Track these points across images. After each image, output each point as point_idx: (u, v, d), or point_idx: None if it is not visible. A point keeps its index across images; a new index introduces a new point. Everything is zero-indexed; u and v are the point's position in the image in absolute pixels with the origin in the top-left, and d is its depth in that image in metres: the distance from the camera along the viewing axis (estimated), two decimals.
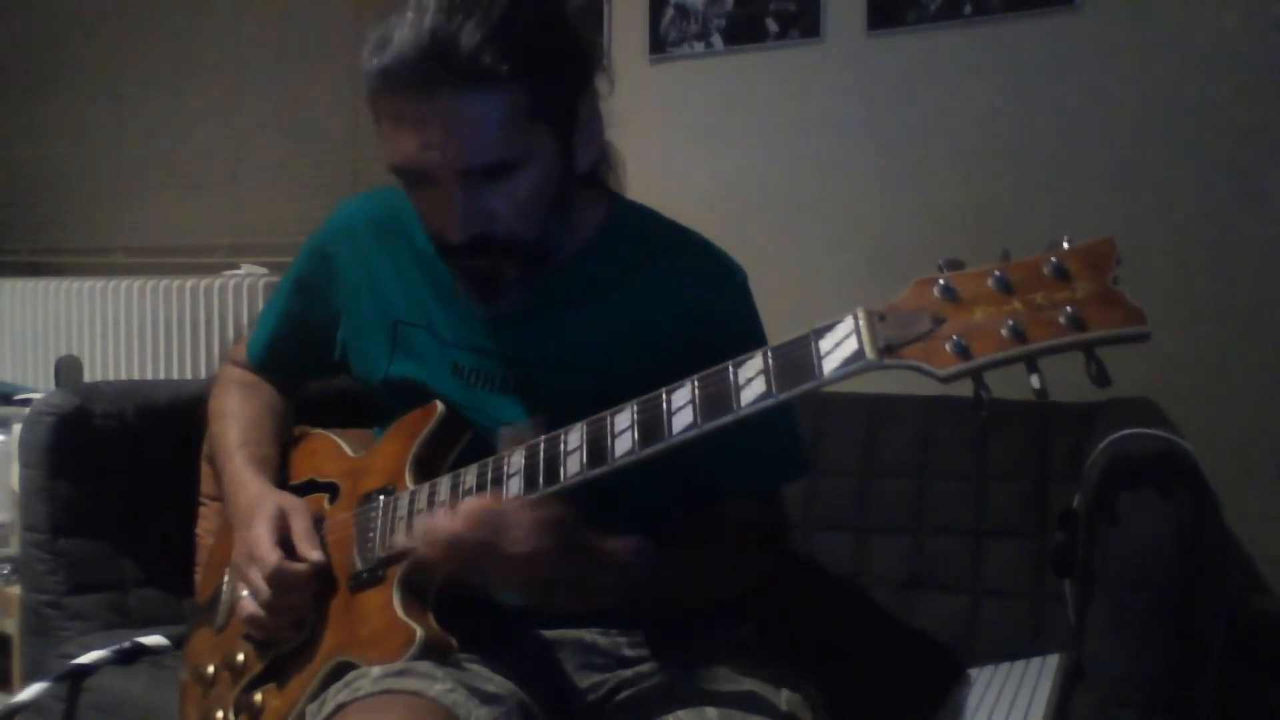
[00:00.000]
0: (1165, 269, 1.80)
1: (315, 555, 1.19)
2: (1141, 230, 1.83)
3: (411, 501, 1.16)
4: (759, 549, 1.25)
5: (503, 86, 1.05)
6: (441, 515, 1.03)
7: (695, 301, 1.21)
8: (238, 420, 1.37)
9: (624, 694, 1.19)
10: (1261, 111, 1.78)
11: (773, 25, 2.20)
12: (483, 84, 1.04)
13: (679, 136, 2.30)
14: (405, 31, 1.04)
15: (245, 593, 1.20)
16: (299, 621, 1.21)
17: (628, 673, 1.20)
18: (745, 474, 1.23)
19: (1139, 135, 1.86)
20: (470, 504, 1.03)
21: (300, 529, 1.21)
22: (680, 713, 1.11)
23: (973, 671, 1.43)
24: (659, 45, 2.34)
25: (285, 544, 1.20)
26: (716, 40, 2.27)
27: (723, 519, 1.23)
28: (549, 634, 1.22)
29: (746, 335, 1.22)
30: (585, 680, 1.21)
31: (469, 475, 1.12)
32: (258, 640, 1.25)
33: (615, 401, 1.03)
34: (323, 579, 1.20)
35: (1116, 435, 1.21)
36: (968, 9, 1.99)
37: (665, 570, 1.10)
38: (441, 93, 1.04)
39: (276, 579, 1.17)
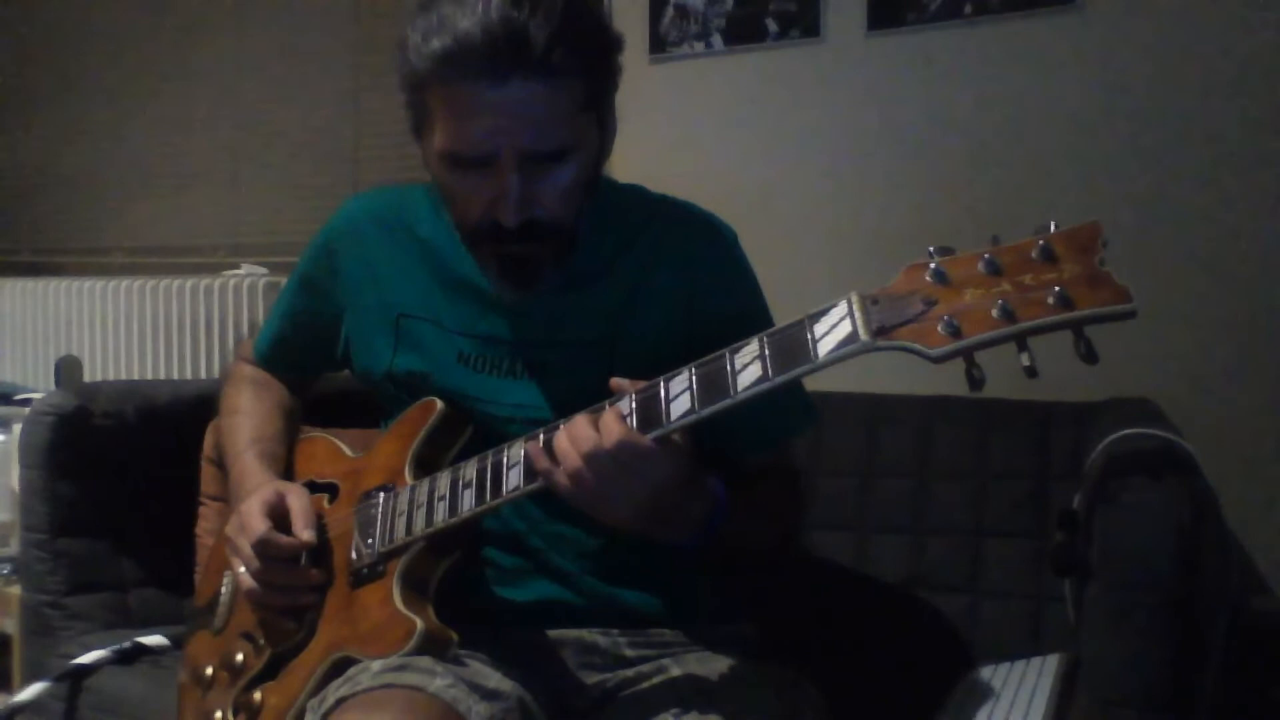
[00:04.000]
0: (1166, 268, 1.80)
1: (306, 534, 1.19)
2: (1142, 229, 1.83)
3: (412, 497, 1.16)
4: (784, 492, 1.28)
5: (569, 79, 1.08)
6: (587, 427, 1.00)
7: (691, 262, 1.24)
8: (249, 418, 1.38)
9: (624, 694, 1.19)
10: (1262, 110, 1.77)
11: (773, 25, 2.20)
12: (553, 76, 1.07)
13: (679, 136, 2.30)
14: (469, 17, 1.05)
15: (241, 569, 1.21)
16: (297, 607, 1.21)
17: (628, 672, 1.20)
18: (757, 434, 1.23)
19: (1139, 134, 1.86)
20: (617, 424, 0.99)
21: (296, 508, 1.21)
22: (680, 712, 1.11)
23: (973, 671, 1.43)
24: (659, 45, 2.34)
25: (281, 524, 1.21)
26: (716, 40, 2.27)
27: (740, 474, 1.23)
28: (550, 633, 1.22)
29: (744, 289, 1.27)
30: (586, 679, 1.21)
31: (468, 469, 1.13)
32: (257, 638, 1.25)
33: (624, 374, 1.05)
34: (319, 563, 1.21)
35: (1116, 435, 1.21)
36: (968, 9, 1.99)
37: (730, 514, 1.12)
38: (514, 81, 1.06)
39: (264, 549, 1.18)
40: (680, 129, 2.30)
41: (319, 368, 1.43)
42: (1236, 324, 1.79)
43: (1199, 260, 1.81)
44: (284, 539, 1.19)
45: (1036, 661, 1.40)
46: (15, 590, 2.05)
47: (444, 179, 1.15)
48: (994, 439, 1.65)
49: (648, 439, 0.99)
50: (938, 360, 0.87)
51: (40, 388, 3.05)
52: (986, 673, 1.41)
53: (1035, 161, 1.95)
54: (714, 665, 1.19)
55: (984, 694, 1.33)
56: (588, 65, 1.10)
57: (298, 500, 1.22)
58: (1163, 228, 1.83)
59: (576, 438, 1.00)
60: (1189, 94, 1.83)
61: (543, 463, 1.02)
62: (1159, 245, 1.82)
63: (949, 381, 0.98)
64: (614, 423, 1.00)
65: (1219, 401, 1.77)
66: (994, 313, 0.85)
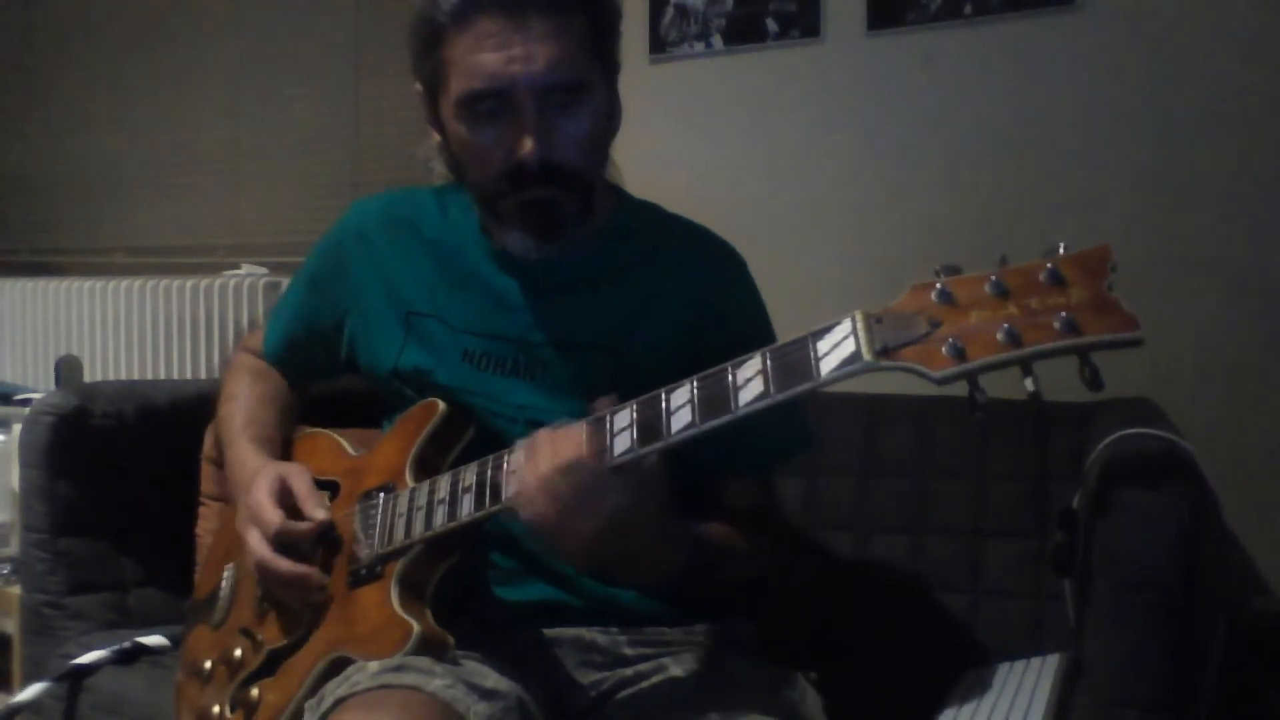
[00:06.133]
0: (1165, 268, 1.80)
1: (320, 514, 1.20)
2: (1141, 229, 1.83)
3: (411, 499, 1.16)
4: (767, 530, 1.27)
5: (577, 15, 1.15)
6: (552, 445, 1.01)
7: (702, 282, 1.25)
8: (245, 404, 1.38)
9: (624, 693, 1.19)
10: (1262, 111, 1.77)
11: (773, 25, 2.20)
12: (563, 10, 1.13)
13: (679, 136, 2.30)
14: None
15: (257, 557, 1.20)
16: (311, 597, 1.21)
17: (628, 672, 1.20)
18: (749, 453, 1.23)
19: (1139, 135, 1.86)
20: (569, 446, 1.00)
21: (303, 490, 1.22)
22: (681, 713, 1.11)
23: (972, 671, 1.43)
24: (659, 45, 2.34)
25: (289, 508, 1.21)
26: (716, 40, 2.27)
27: (723, 501, 1.23)
28: (549, 632, 1.22)
29: (752, 314, 1.29)
30: (584, 678, 1.21)
31: (469, 474, 1.13)
32: (255, 634, 1.25)
33: (625, 383, 1.05)
34: (329, 541, 1.21)
35: (1116, 435, 1.21)
36: (968, 9, 1.99)
37: (703, 547, 1.13)
38: (530, 14, 1.12)
39: (280, 539, 1.18)
40: (680, 129, 2.30)
41: (326, 369, 1.42)
42: (1237, 324, 1.79)
43: (1199, 260, 1.81)
44: (301, 525, 1.19)
45: (1036, 661, 1.40)
46: (15, 590, 2.06)
47: (461, 135, 1.17)
48: (994, 439, 1.65)
49: (602, 463, 1.00)
50: (940, 383, 0.87)
51: (40, 388, 3.05)
52: (986, 673, 1.41)
53: (1035, 162, 1.95)
54: (713, 664, 1.19)
55: (984, 694, 1.33)
56: (593, 4, 1.17)
57: (301, 481, 1.23)
58: (1162, 227, 1.83)
59: (536, 453, 1.02)
60: (1189, 94, 1.82)
61: (512, 483, 1.04)
62: (1158, 245, 1.81)
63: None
64: (565, 442, 1.01)
65: (1219, 401, 1.77)
66: (999, 336, 0.85)
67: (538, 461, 1.02)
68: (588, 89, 1.16)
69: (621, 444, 1.01)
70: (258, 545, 1.19)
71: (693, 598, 1.22)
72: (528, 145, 1.12)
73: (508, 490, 1.06)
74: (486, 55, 1.12)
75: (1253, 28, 1.78)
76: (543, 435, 1.03)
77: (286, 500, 1.22)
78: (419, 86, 1.23)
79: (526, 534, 1.22)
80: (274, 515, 1.19)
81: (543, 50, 1.12)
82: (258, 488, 1.22)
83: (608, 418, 1.02)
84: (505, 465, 1.09)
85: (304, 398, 1.46)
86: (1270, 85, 1.77)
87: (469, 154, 1.18)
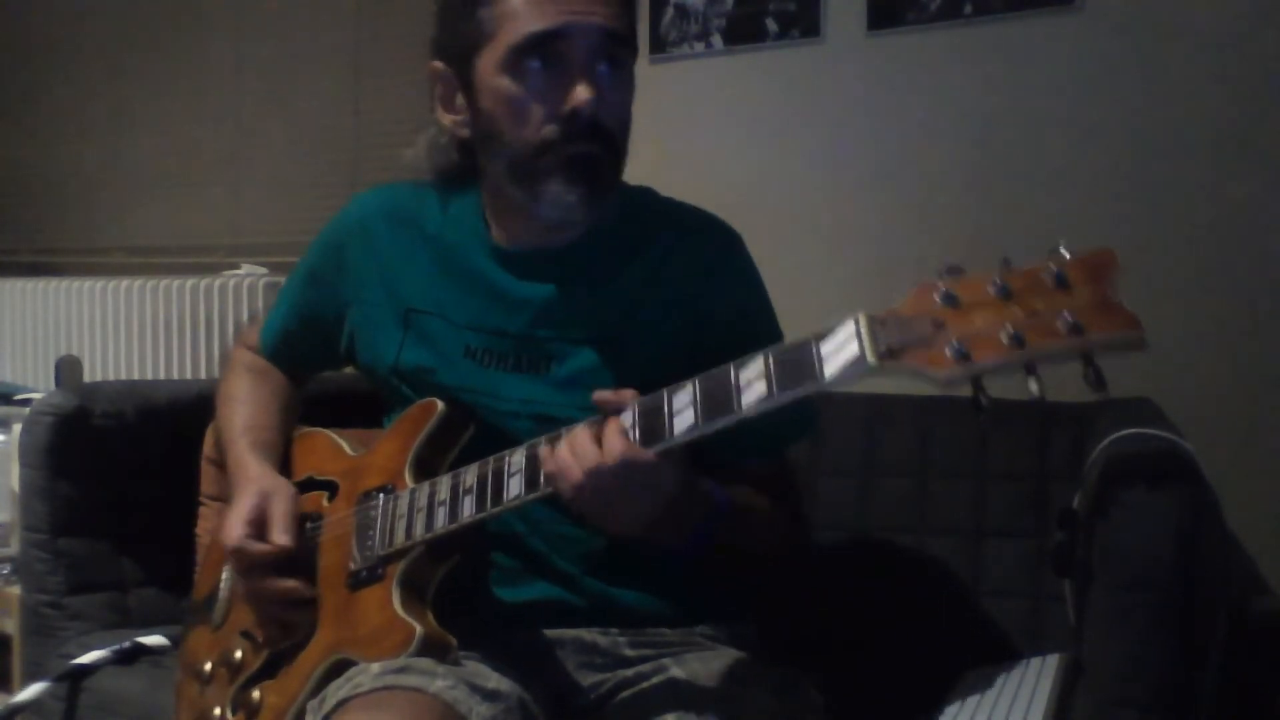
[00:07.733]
0: (1165, 268, 1.80)
1: (281, 540, 1.20)
2: (1141, 229, 1.83)
3: (411, 501, 1.16)
4: (783, 508, 1.28)
5: None
6: (589, 442, 1.01)
7: (700, 266, 1.25)
8: (244, 405, 1.38)
9: (624, 694, 1.19)
10: (1262, 111, 1.77)
11: (773, 25, 2.20)
12: None
13: (679, 137, 2.29)
14: None
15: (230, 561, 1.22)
16: (285, 614, 1.21)
17: (628, 672, 1.20)
18: (757, 441, 1.22)
19: (1139, 135, 1.86)
20: (619, 440, 1.00)
21: (277, 512, 1.22)
22: (681, 713, 1.11)
23: (972, 672, 1.43)
24: (659, 45, 2.34)
25: (262, 528, 1.21)
26: (716, 40, 2.27)
27: (737, 477, 1.23)
28: (550, 633, 1.22)
29: (750, 294, 1.29)
30: (585, 679, 1.21)
31: (469, 475, 1.13)
32: (255, 636, 1.25)
33: (630, 374, 1.06)
34: (315, 564, 1.21)
35: (1116, 435, 1.21)
36: (968, 9, 1.99)
37: (723, 506, 1.14)
38: None
39: (237, 557, 1.19)
40: (680, 129, 2.30)
41: (323, 363, 1.44)
42: (1237, 324, 1.79)
43: (1199, 260, 1.81)
44: (256, 546, 1.19)
45: (1036, 661, 1.40)
46: (15, 590, 2.05)
47: (505, 88, 1.16)
48: (994, 439, 1.65)
49: (650, 453, 1.00)
50: (945, 385, 0.87)
51: (40, 388, 3.05)
52: (987, 673, 1.41)
53: (1035, 162, 1.95)
54: (714, 665, 1.19)
55: (984, 694, 1.33)
56: None
57: (280, 505, 1.23)
58: (1162, 228, 1.83)
59: (579, 453, 1.01)
60: (1188, 94, 1.82)
61: (550, 466, 1.03)
62: (1159, 245, 1.81)
63: None
64: (615, 439, 1.00)
65: (1219, 401, 1.77)
66: (1003, 338, 0.85)
67: (586, 457, 1.01)
68: (631, 54, 1.18)
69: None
70: (230, 561, 1.20)
71: (717, 567, 1.22)
72: (583, 94, 1.13)
73: (551, 484, 1.05)
74: (548, 2, 1.13)
75: (1252, 28, 1.78)
76: (585, 431, 1.02)
77: (260, 521, 1.21)
78: (439, 64, 1.22)
79: (531, 534, 1.22)
80: (236, 533, 1.19)
81: (601, 5, 1.14)
82: (236, 504, 1.23)
83: (635, 407, 1.02)
84: (507, 467, 1.09)
85: (304, 392, 1.46)
86: (1270, 85, 1.77)
87: (512, 108, 1.16)
